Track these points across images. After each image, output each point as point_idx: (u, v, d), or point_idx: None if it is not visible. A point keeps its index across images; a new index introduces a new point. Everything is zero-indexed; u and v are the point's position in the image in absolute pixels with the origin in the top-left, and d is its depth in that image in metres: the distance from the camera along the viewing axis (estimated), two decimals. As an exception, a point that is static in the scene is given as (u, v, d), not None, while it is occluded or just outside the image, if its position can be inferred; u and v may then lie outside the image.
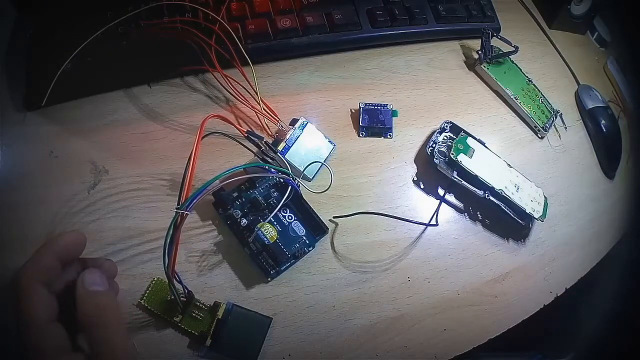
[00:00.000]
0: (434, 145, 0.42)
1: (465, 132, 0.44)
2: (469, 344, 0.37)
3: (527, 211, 0.41)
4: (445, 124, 0.44)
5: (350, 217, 0.38)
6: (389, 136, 0.44)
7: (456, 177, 0.41)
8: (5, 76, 0.41)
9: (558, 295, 0.42)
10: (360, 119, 0.43)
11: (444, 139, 0.43)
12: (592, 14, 0.58)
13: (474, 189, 0.41)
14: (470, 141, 0.43)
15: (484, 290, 0.40)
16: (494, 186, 0.41)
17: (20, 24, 0.43)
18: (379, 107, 0.44)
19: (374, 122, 0.43)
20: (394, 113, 0.44)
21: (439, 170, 0.41)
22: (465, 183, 0.41)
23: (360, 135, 0.43)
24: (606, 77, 0.58)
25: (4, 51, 0.42)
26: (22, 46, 0.41)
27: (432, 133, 0.44)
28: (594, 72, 0.57)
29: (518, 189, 0.42)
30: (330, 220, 0.39)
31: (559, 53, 0.56)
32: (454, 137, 0.43)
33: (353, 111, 0.45)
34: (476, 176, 0.41)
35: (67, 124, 0.39)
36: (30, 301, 0.25)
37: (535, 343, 0.37)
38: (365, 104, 0.44)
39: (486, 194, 0.41)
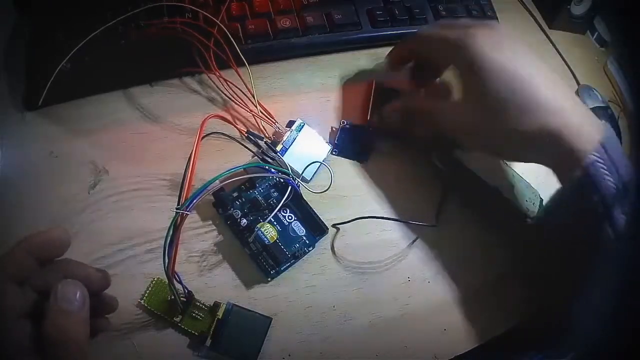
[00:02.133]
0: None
1: None
2: (469, 344, 0.37)
3: (522, 211, 0.41)
4: None
5: (345, 217, 0.38)
6: (362, 161, 0.42)
7: (451, 173, 0.41)
8: (5, 76, 0.41)
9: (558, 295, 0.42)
10: (337, 137, 0.42)
11: None
12: (592, 14, 0.58)
13: (470, 185, 0.41)
14: None
15: (484, 290, 0.39)
16: (488, 183, 0.41)
17: (20, 24, 0.43)
18: (360, 129, 0.42)
19: (351, 143, 0.42)
20: (374, 138, 0.42)
21: (436, 166, 0.41)
22: (461, 179, 0.41)
23: (333, 153, 0.42)
24: (606, 77, 0.58)
25: (4, 51, 0.42)
26: (22, 46, 0.41)
27: None
28: (594, 72, 0.57)
29: (513, 187, 0.42)
30: (331, 226, 0.38)
31: (559, 53, 0.56)
32: None
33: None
34: (470, 171, 0.41)
35: (67, 124, 0.39)
36: None
37: (535, 343, 0.36)
38: (347, 123, 0.42)
39: (481, 191, 0.41)
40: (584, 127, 0.33)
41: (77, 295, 0.26)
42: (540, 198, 0.43)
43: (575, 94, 0.38)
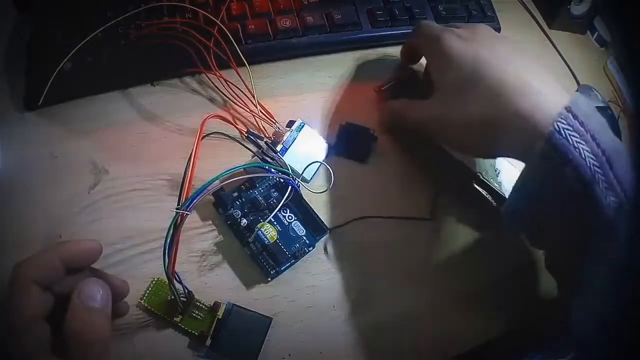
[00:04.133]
0: None
1: None
2: (469, 344, 0.37)
3: (506, 196, 0.40)
4: None
5: (343, 218, 0.38)
6: (362, 161, 0.42)
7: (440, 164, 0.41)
8: (5, 76, 0.41)
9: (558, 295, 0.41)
10: (337, 137, 0.42)
11: None
12: (592, 14, 0.58)
13: (456, 174, 0.41)
14: None
15: (485, 288, 0.39)
16: (471, 168, 0.40)
17: (20, 24, 0.43)
18: (360, 130, 0.42)
19: (351, 143, 0.42)
20: (374, 139, 0.42)
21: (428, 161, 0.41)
22: (446, 168, 0.41)
23: (333, 153, 0.41)
24: (606, 77, 0.58)
25: (4, 51, 0.42)
26: (22, 46, 0.41)
27: None
28: (594, 72, 0.57)
29: (499, 173, 0.41)
30: (330, 229, 0.38)
31: (559, 53, 0.56)
32: None
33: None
34: (453, 158, 0.40)
35: (67, 124, 0.39)
36: (19, 298, 0.25)
37: (535, 343, 0.37)
38: (347, 123, 0.42)
39: (467, 179, 0.40)
40: (557, 106, 0.28)
41: (100, 292, 0.26)
42: None
43: (551, 76, 0.33)
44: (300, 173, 0.38)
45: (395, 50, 0.49)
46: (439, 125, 0.36)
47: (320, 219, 0.37)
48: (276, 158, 0.37)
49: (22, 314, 0.25)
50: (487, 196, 0.41)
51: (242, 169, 0.35)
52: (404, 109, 0.40)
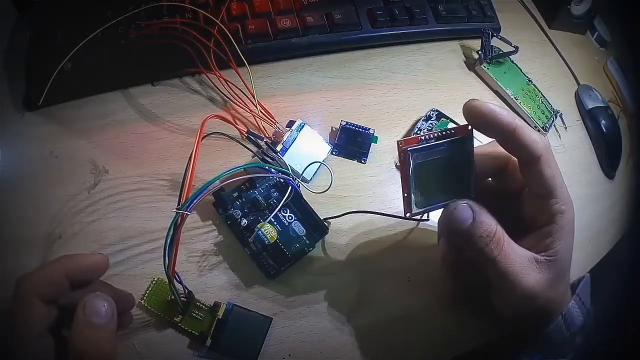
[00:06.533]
0: (417, 132, 0.43)
1: (447, 118, 0.44)
2: (468, 344, 0.37)
3: None
4: (432, 112, 0.44)
5: (343, 216, 0.38)
6: (362, 161, 0.42)
7: None
8: (5, 76, 0.41)
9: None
10: (337, 137, 0.42)
11: (429, 126, 0.43)
12: (592, 14, 0.58)
13: None
14: (451, 126, 0.42)
15: (485, 290, 0.39)
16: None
17: (20, 24, 0.43)
18: (360, 130, 0.42)
19: (351, 143, 0.42)
20: (374, 139, 0.42)
21: None
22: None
23: (333, 153, 0.42)
24: (606, 77, 0.58)
25: (4, 51, 0.42)
26: (22, 46, 0.41)
27: (418, 120, 0.44)
28: (594, 72, 0.57)
29: None
30: (324, 219, 0.38)
31: (559, 53, 0.56)
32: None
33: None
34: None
35: (67, 124, 0.39)
36: (23, 313, 0.25)
37: (535, 343, 0.37)
38: (347, 123, 0.42)
39: None
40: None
41: (105, 308, 0.26)
42: None
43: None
44: (300, 173, 0.38)
45: (395, 50, 0.49)
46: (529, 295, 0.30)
47: (320, 219, 0.37)
48: (276, 158, 0.37)
49: (25, 330, 0.25)
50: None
51: (242, 169, 0.35)
52: (493, 239, 0.28)
